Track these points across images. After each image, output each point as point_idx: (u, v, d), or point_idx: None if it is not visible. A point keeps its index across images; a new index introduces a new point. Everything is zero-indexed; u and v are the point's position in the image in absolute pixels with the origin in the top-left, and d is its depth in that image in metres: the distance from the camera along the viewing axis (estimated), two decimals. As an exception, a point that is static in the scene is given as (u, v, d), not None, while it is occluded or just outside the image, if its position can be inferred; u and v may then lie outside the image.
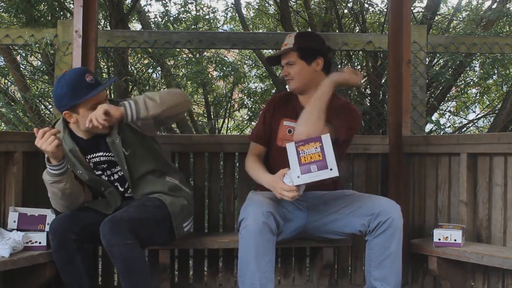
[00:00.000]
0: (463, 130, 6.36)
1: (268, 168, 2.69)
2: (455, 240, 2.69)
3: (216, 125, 6.34)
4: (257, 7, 6.98)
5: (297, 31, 2.83)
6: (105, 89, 2.49)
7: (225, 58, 6.10)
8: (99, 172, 2.64)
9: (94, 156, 2.61)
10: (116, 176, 2.66)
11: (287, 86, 2.84)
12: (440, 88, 5.70)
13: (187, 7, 6.12)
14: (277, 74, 6.24)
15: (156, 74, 6.12)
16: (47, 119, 5.07)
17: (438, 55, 5.38)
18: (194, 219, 3.21)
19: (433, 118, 5.73)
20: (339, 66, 5.44)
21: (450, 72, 5.31)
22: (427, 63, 4.28)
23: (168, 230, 2.62)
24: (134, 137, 2.60)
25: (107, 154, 2.60)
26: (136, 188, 2.65)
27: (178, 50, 5.75)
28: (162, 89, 6.19)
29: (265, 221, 2.36)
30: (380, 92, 5.32)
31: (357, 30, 5.91)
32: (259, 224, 2.34)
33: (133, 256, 2.38)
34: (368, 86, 5.57)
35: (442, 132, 5.88)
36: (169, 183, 2.68)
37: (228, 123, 6.80)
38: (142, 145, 2.62)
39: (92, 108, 2.41)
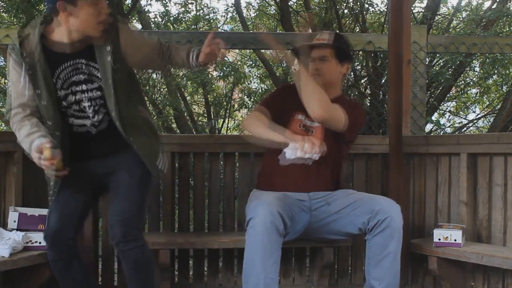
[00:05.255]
0: (463, 130, 6.36)
1: (272, 164, 2.67)
2: (455, 240, 2.69)
3: (216, 125, 6.34)
4: (257, 7, 6.99)
5: (329, 31, 2.96)
6: None
7: (225, 58, 6.10)
8: (68, 91, 2.37)
9: (74, 63, 2.36)
10: (89, 94, 2.39)
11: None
12: (440, 88, 5.71)
13: (187, 7, 6.13)
14: (277, 74, 6.25)
15: (156, 74, 6.12)
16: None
17: (438, 55, 5.38)
18: (194, 219, 3.23)
19: (433, 118, 5.74)
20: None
21: (450, 72, 5.31)
22: (427, 63, 4.28)
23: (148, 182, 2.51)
24: (121, 54, 2.38)
25: (90, 63, 2.36)
26: (115, 109, 2.36)
27: (178, 50, 5.74)
28: (162, 89, 6.20)
29: (274, 221, 2.34)
30: (380, 92, 5.32)
31: (357, 30, 5.91)
32: (267, 224, 2.33)
33: (146, 257, 2.39)
34: (368, 86, 5.57)
35: (442, 132, 5.88)
36: (142, 117, 2.50)
37: (228, 123, 6.80)
38: (126, 64, 2.41)
39: (93, 3, 2.24)
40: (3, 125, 5.62)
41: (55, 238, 2.40)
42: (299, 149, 2.39)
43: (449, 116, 6.77)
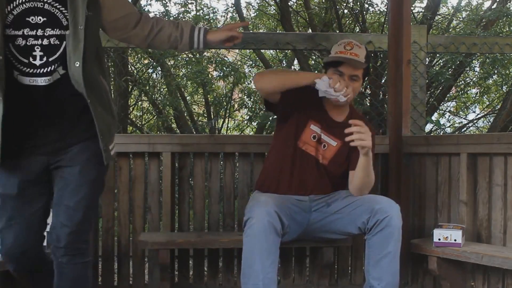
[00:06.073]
0: (463, 130, 6.37)
1: (278, 167, 2.66)
2: (455, 240, 2.69)
3: (216, 125, 6.34)
4: (257, 7, 6.99)
5: (349, 40, 2.69)
6: None
7: (225, 58, 6.11)
8: (18, 32, 1.94)
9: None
10: (44, 42, 1.97)
11: (330, 96, 2.54)
12: (440, 88, 5.71)
13: (187, 7, 6.13)
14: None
15: (156, 74, 6.12)
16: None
17: (438, 55, 5.39)
18: (194, 219, 3.23)
19: (433, 118, 5.74)
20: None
21: (450, 72, 5.31)
22: (427, 63, 4.28)
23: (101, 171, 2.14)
24: (98, 3, 2.08)
25: (55, 5, 1.98)
26: (81, 61, 1.96)
27: (178, 50, 5.74)
28: (162, 89, 6.20)
29: (271, 221, 2.34)
30: (380, 92, 5.32)
31: (357, 30, 5.91)
32: (265, 224, 2.33)
33: (87, 276, 2.10)
34: (368, 86, 5.57)
35: (442, 132, 5.89)
36: (104, 88, 2.11)
37: (228, 123, 6.80)
38: (99, 18, 2.10)
39: None
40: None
41: (20, 260, 2.11)
42: (331, 84, 2.45)
43: (449, 116, 6.78)
